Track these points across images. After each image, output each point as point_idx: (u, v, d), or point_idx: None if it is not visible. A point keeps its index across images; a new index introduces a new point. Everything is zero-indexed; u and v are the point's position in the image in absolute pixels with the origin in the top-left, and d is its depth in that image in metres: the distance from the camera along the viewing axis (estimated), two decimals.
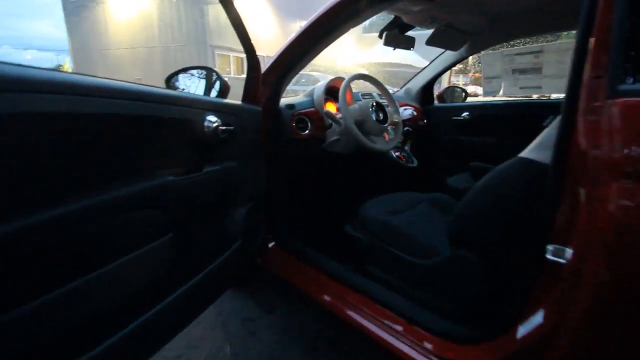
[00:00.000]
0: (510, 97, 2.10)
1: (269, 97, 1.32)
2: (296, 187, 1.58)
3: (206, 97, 1.09)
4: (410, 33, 1.74)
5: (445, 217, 1.32)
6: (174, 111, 0.85)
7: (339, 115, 1.47)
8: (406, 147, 1.86)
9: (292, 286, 1.38)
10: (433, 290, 1.08)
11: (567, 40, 1.66)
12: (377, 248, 1.23)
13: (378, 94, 1.96)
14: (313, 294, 1.30)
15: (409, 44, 1.75)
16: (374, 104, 1.46)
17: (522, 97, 2.07)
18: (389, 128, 1.59)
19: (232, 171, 1.09)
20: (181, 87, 1.16)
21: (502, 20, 1.67)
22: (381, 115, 1.47)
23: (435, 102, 2.36)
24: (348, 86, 1.40)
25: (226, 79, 1.17)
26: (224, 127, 0.96)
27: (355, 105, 1.46)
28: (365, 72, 1.60)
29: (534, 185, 0.79)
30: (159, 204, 0.81)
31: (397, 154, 1.78)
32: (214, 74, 1.16)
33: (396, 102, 1.60)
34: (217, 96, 1.11)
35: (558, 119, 0.80)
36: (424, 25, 1.57)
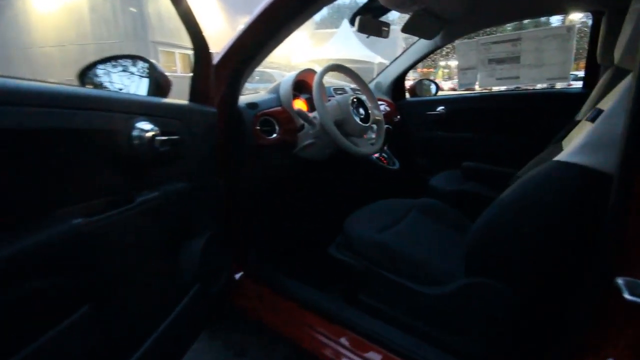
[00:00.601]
0: (486, 89, 2.01)
1: (224, 95, 1.04)
2: (264, 203, 1.31)
3: (136, 96, 0.79)
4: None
5: (441, 227, 1.14)
6: (82, 118, 0.56)
7: (312, 114, 1.23)
8: (385, 148, 1.67)
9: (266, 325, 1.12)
10: (446, 326, 0.89)
11: (546, 27, 1.56)
12: (372, 274, 1.01)
13: (352, 88, 1.74)
14: (292, 335, 1.05)
15: (383, 30, 1.55)
16: (355, 100, 1.24)
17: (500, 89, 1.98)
18: (371, 128, 1.38)
19: (180, 195, 0.80)
20: (103, 83, 0.84)
21: (482, 5, 1.53)
22: (362, 112, 1.25)
23: (407, 96, 2.20)
24: (321, 79, 1.17)
25: (171, 78, 0.88)
26: (163, 137, 0.67)
27: (333, 102, 1.23)
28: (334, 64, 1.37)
29: (588, 198, 0.62)
30: (58, 266, 0.51)
31: (377, 155, 1.58)
32: (148, 65, 0.86)
33: (375, 98, 1.39)
34: (153, 94, 0.82)
35: (608, 111, 0.64)
36: (402, 8, 1.37)
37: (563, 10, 1.50)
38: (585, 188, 0.63)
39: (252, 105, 1.18)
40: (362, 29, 1.43)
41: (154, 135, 0.66)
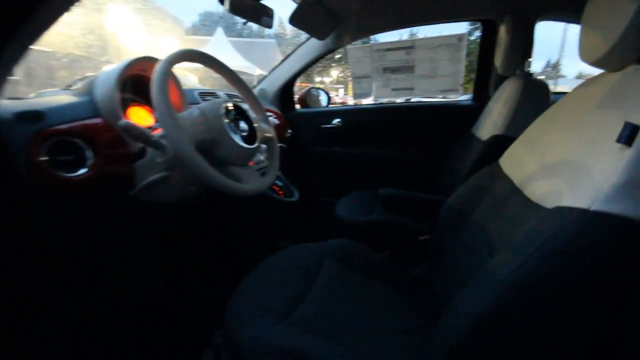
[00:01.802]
0: (383, 100, 1.86)
1: None
2: (68, 291, 0.75)
3: None
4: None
5: (371, 287, 0.82)
6: None
7: (157, 132, 0.73)
8: (279, 173, 1.27)
9: None
10: None
11: (439, 35, 1.46)
12: None
13: (228, 94, 1.29)
14: None
15: (263, 18, 1.17)
16: (231, 108, 0.80)
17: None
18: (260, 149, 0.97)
19: None
20: None
21: (376, 4, 1.31)
22: (245, 128, 0.83)
23: (297, 107, 1.88)
24: (169, 74, 0.68)
25: None
26: None
27: (194, 111, 0.75)
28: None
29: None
30: None
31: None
32: None
33: (262, 106, 0.98)
34: None
35: None
36: None
37: (458, 18, 1.43)
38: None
39: (28, 116, 0.62)
40: (233, 10, 1.02)
41: None
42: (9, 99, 0.68)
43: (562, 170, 0.53)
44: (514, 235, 0.55)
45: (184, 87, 1.01)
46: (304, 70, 1.67)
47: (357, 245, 0.95)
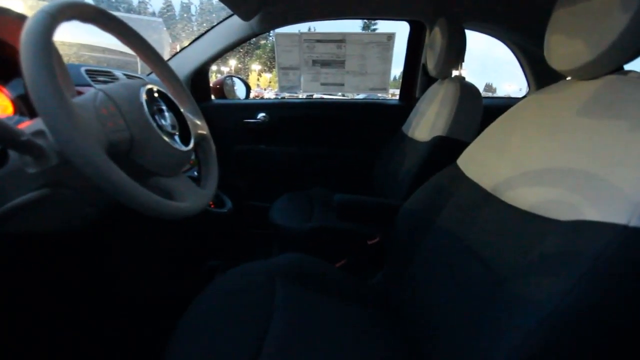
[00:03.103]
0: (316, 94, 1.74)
1: None
2: None
3: None
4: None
5: (331, 300, 0.72)
6: None
7: (26, 125, 0.44)
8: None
9: None
10: None
11: (370, 32, 1.42)
12: None
13: (127, 76, 0.97)
14: None
15: None
16: (155, 94, 0.55)
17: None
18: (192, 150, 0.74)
19: None
20: None
21: None
22: (173, 121, 0.59)
23: (213, 97, 1.61)
24: (51, 34, 0.41)
25: None
26: None
27: (97, 96, 0.48)
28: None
29: None
30: None
31: None
32: None
33: (188, 91, 0.74)
34: None
35: None
36: None
37: (388, 16, 1.40)
38: None
39: None
40: None
41: None
42: None
43: (562, 180, 0.50)
44: (518, 251, 0.50)
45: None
46: (223, 54, 1.42)
47: (308, 259, 0.84)
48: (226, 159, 1.59)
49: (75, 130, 0.38)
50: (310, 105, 1.60)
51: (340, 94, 1.66)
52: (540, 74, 1.57)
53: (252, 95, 1.73)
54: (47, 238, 0.58)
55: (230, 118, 1.55)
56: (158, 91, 0.56)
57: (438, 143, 1.05)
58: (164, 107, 0.57)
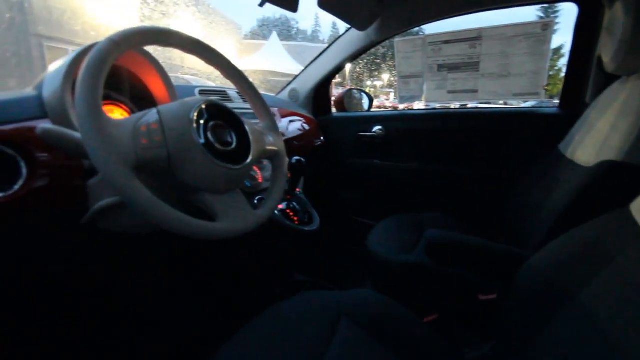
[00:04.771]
0: (435, 104, 1.54)
1: None
2: None
3: None
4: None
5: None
6: None
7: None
8: (298, 192, 1.03)
9: None
10: None
11: (516, 23, 1.13)
12: None
13: (238, 94, 1.09)
14: None
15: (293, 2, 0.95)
16: (210, 107, 0.56)
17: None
18: (259, 165, 0.74)
19: None
20: None
21: None
22: (230, 138, 0.58)
23: (334, 110, 1.64)
24: (109, 60, 0.47)
25: None
26: None
27: (150, 115, 0.51)
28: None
29: None
30: None
31: (282, 207, 0.93)
32: None
33: (271, 109, 0.74)
34: None
35: None
36: None
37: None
38: None
39: None
40: None
41: None
42: None
43: None
44: None
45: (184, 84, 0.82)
46: (342, 67, 1.42)
47: (389, 303, 0.69)
48: (338, 172, 1.58)
49: (101, 146, 0.41)
50: (432, 117, 1.40)
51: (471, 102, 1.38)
52: None
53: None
54: (137, 237, 0.68)
55: (346, 131, 1.54)
56: (213, 106, 0.57)
57: (607, 171, 0.70)
58: (223, 124, 0.58)
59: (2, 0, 8.36)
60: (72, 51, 0.61)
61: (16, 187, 0.51)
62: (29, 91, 0.62)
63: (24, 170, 0.52)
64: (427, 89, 1.37)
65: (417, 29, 1.30)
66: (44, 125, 0.45)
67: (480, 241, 0.73)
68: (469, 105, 2.17)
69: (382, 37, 1.28)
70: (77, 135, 0.45)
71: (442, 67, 1.31)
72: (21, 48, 8.28)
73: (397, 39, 1.35)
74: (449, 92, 1.34)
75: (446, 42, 1.27)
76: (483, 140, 1.29)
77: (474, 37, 1.23)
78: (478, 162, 1.30)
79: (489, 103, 1.67)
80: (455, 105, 1.85)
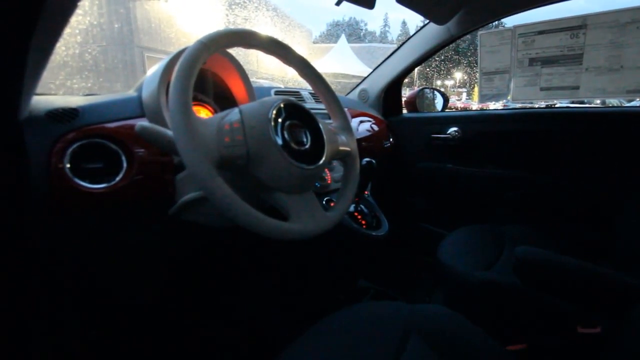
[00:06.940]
0: (524, 103, 1.38)
1: None
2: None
3: None
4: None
5: None
6: None
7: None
8: (367, 194, 1.00)
9: None
10: None
11: (630, 7, 0.95)
12: None
13: (311, 93, 1.10)
14: None
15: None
16: (288, 107, 0.56)
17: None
18: (328, 166, 0.73)
19: None
20: None
21: None
22: (305, 137, 0.57)
23: (404, 111, 1.57)
24: (200, 60, 0.49)
25: None
26: None
27: (232, 115, 0.53)
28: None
29: None
30: None
31: (350, 210, 0.91)
32: None
33: (345, 109, 0.73)
34: None
35: None
36: None
37: None
38: None
39: (59, 114, 0.54)
40: None
41: None
42: (46, 95, 0.64)
43: None
44: None
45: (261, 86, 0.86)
46: (419, 64, 1.35)
47: (464, 323, 0.62)
48: (407, 175, 1.50)
49: (189, 143, 0.44)
50: (517, 117, 1.25)
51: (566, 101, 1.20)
52: None
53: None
54: (213, 230, 0.72)
55: (418, 132, 1.46)
56: (291, 105, 0.58)
57: None
58: (299, 123, 0.58)
59: (112, 11, 9.90)
60: None
61: (117, 178, 0.58)
62: (130, 93, 0.70)
63: (125, 164, 0.59)
64: (514, 85, 1.23)
65: (496, 22, 1.17)
66: (142, 123, 0.50)
67: (586, 264, 0.62)
68: (557, 105, 1.91)
69: (463, 31, 1.18)
70: (169, 132, 0.49)
71: (535, 61, 1.16)
72: (127, 56, 9.70)
73: (480, 32, 1.23)
74: (542, 89, 1.18)
75: (540, 32, 1.12)
76: (581, 145, 1.11)
77: (577, 26, 1.06)
78: (574, 170, 1.12)
79: (583, 102, 1.45)
80: (539, 104, 1.63)
